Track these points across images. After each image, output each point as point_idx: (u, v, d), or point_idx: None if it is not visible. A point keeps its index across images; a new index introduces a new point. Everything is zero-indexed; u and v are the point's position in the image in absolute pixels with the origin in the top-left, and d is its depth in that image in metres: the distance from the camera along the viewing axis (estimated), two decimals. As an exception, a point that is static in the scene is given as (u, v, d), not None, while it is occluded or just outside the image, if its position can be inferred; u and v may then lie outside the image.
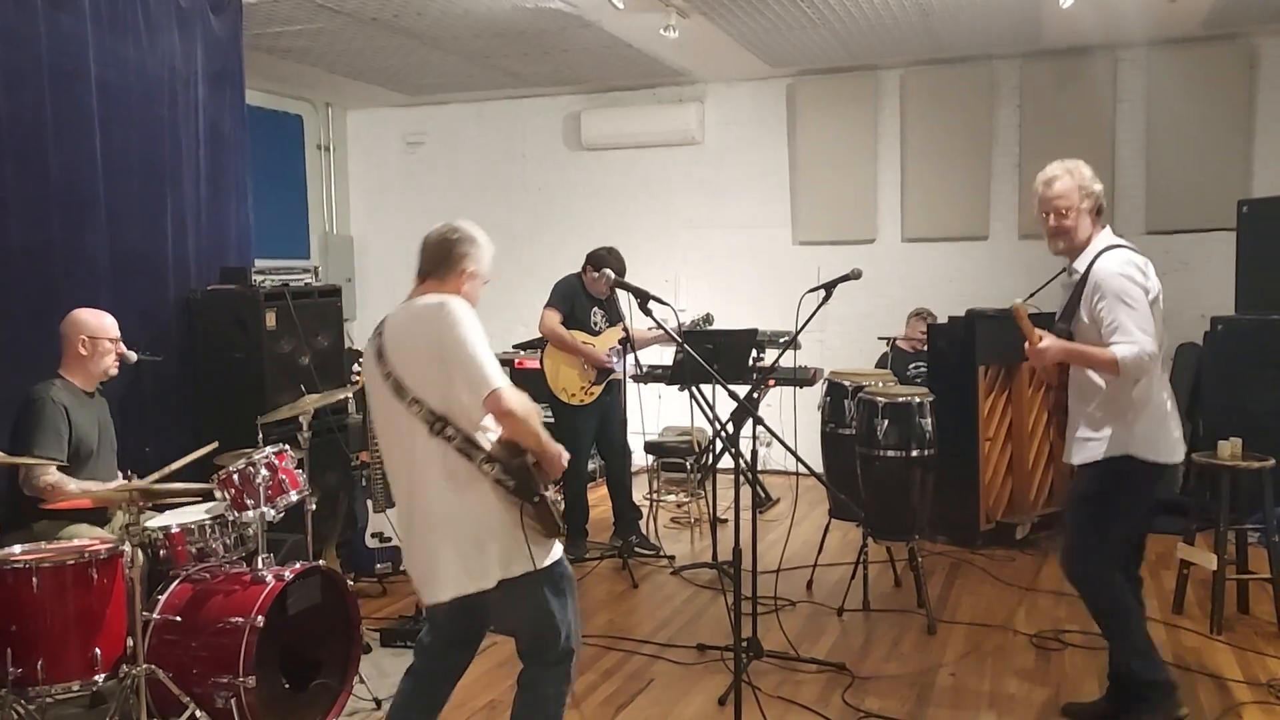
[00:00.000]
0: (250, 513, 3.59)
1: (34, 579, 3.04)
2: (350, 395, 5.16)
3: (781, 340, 5.54)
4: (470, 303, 2.71)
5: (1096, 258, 3.29)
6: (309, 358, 5.20)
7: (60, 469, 3.65)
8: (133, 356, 4.08)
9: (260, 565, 3.48)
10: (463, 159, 8.92)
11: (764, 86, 8.00)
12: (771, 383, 5.53)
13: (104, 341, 3.89)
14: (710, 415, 3.44)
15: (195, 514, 3.68)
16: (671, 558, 5.66)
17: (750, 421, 3.48)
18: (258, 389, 4.95)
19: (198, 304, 5.16)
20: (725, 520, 5.54)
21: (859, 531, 4.93)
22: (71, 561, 3.10)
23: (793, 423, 4.54)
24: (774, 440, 3.43)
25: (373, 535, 5.14)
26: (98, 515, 3.80)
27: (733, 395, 3.33)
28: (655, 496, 6.30)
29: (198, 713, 3.17)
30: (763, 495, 6.77)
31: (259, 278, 5.13)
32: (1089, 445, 3.34)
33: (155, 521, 3.62)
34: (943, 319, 6.35)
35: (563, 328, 5.40)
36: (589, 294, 5.51)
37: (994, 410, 5.83)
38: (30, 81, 4.37)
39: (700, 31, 6.41)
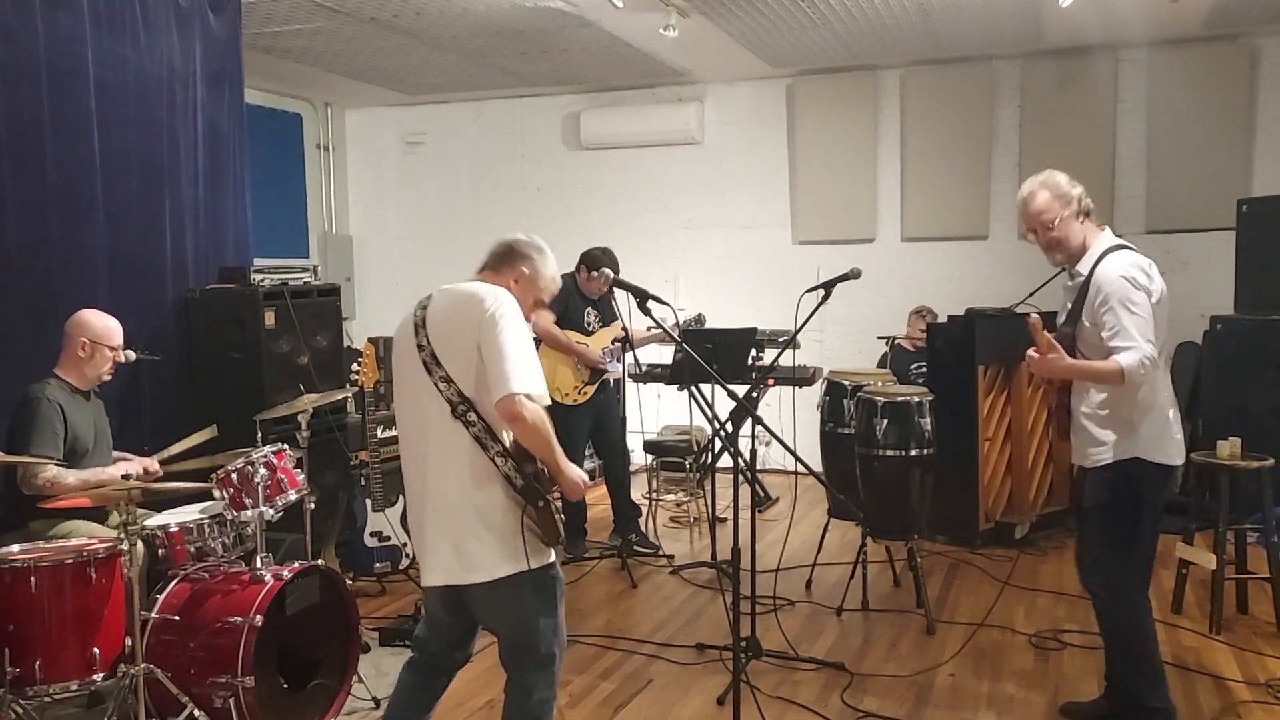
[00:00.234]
0: (249, 512, 3.59)
1: (32, 578, 3.04)
2: (349, 395, 5.15)
3: (781, 339, 5.53)
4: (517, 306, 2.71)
5: (1099, 260, 3.25)
6: (308, 357, 5.20)
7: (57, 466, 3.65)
8: (131, 356, 4.07)
9: (259, 564, 3.48)
10: (462, 158, 8.91)
11: (764, 86, 7.99)
12: (771, 382, 5.51)
13: (105, 349, 3.89)
14: (709, 414, 3.43)
15: (194, 513, 3.68)
16: (670, 557, 5.66)
17: (749, 421, 3.48)
18: (256, 388, 4.95)
19: (196, 303, 5.15)
20: (724, 520, 5.55)
21: (858, 531, 4.92)
22: (70, 561, 3.09)
23: (792, 422, 4.54)
24: (773, 439, 3.43)
25: (371, 534, 5.14)
26: (95, 513, 3.79)
27: (732, 395, 3.32)
28: (654, 496, 6.30)
29: (196, 712, 3.17)
30: (762, 495, 6.77)
31: (258, 277, 5.13)
32: (1097, 449, 3.29)
33: (154, 520, 3.62)
34: (942, 319, 6.36)
35: (556, 328, 5.41)
36: (582, 294, 5.51)
37: (993, 410, 5.83)
38: (28, 81, 4.36)
39: (700, 31, 6.41)
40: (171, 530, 3.55)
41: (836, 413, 5.32)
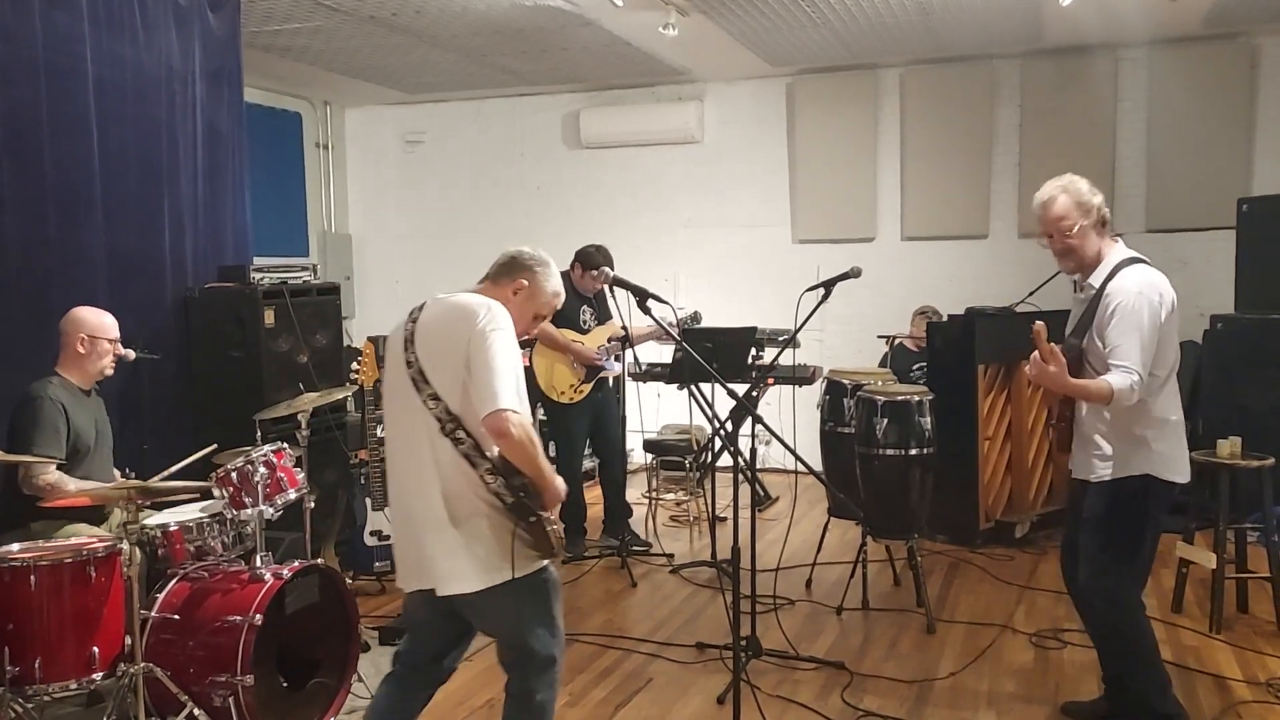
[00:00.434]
0: (248, 511, 3.59)
1: (32, 577, 3.04)
2: (349, 394, 5.15)
3: (781, 338, 5.53)
4: (514, 319, 2.68)
5: (1113, 274, 3.18)
6: (307, 356, 5.20)
7: (59, 467, 3.64)
8: (131, 355, 4.06)
9: (258, 563, 3.48)
10: (461, 157, 8.91)
11: (764, 85, 7.99)
12: (770, 381, 5.51)
13: (103, 342, 3.88)
14: (709, 413, 3.43)
15: (193, 512, 3.67)
16: (670, 556, 5.66)
17: (749, 420, 3.47)
18: (256, 387, 4.95)
19: (196, 302, 5.15)
20: (724, 519, 5.54)
21: (858, 530, 4.92)
22: (69, 560, 3.09)
23: (792, 421, 4.54)
24: (773, 439, 3.43)
25: (371, 533, 5.13)
26: (95, 514, 3.78)
27: (731, 394, 3.32)
28: (654, 495, 6.29)
29: (196, 711, 3.17)
30: (762, 494, 6.77)
31: (257, 275, 5.13)
32: (1104, 463, 3.24)
33: (153, 520, 3.61)
34: (943, 318, 6.36)
35: (552, 326, 5.40)
36: (577, 292, 5.50)
37: (993, 409, 5.83)
38: (26, 80, 4.36)
39: (700, 30, 6.40)
40: (171, 529, 3.54)
41: (836, 412, 5.32)
